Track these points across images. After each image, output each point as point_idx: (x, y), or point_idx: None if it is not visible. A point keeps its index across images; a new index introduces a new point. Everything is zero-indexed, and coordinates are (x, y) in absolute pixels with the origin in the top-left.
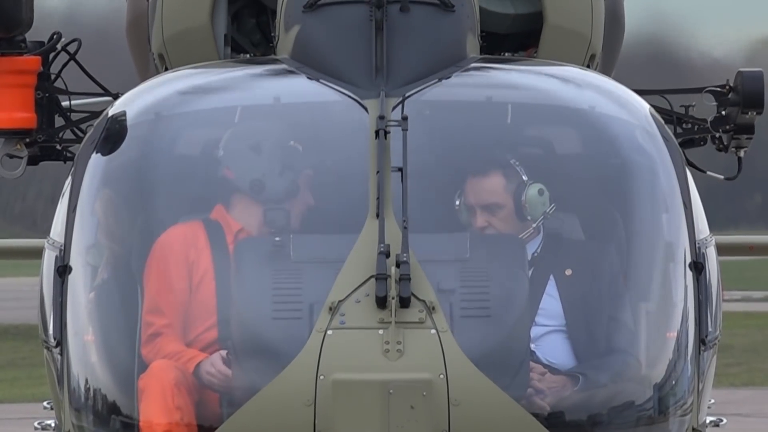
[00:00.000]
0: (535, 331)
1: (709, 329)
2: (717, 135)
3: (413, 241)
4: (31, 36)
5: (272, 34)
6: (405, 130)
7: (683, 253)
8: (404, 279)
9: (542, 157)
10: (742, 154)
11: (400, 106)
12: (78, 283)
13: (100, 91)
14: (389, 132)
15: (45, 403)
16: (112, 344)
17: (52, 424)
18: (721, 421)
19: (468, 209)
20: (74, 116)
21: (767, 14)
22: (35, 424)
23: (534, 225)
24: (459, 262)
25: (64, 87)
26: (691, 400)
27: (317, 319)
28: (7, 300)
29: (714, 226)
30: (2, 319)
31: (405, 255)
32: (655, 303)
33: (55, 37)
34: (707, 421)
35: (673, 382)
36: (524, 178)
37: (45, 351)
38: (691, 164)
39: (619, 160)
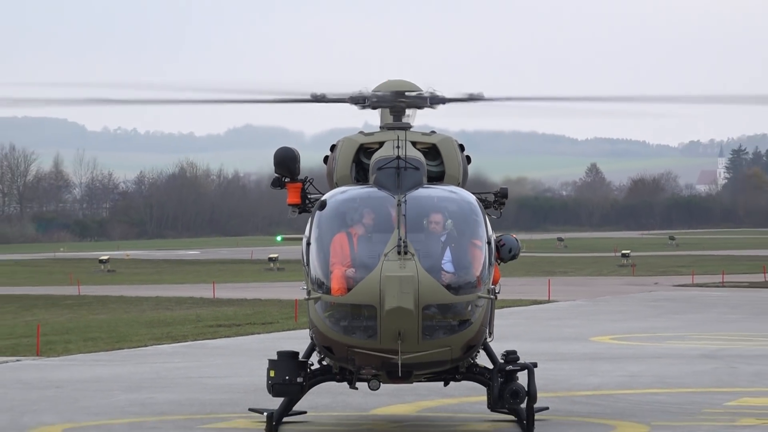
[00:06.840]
0: (442, 261)
1: (492, 259)
2: (495, 205)
3: (408, 236)
4: (300, 175)
5: (368, 176)
6: (406, 203)
7: (485, 237)
8: (405, 245)
9: (446, 211)
10: (501, 210)
11: (404, 197)
12: (312, 248)
13: (318, 192)
14: (401, 204)
15: (303, 284)
16: (322, 266)
17: (305, 287)
18: (496, 290)
19: (429, 222)
20: (312, 199)
21: (523, 176)
22: (300, 288)
23: (447, 231)
24: (421, 242)
25: (308, 192)
26: (489, 280)
27: (381, 257)
28: (295, 253)
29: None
30: (295, 256)
31: (406, 240)
32: (476, 253)
33: (306, 177)
34: (492, 288)
35: (482, 275)
36: (448, 217)
37: (303, 267)
38: (486, 214)
39: (466, 211)
